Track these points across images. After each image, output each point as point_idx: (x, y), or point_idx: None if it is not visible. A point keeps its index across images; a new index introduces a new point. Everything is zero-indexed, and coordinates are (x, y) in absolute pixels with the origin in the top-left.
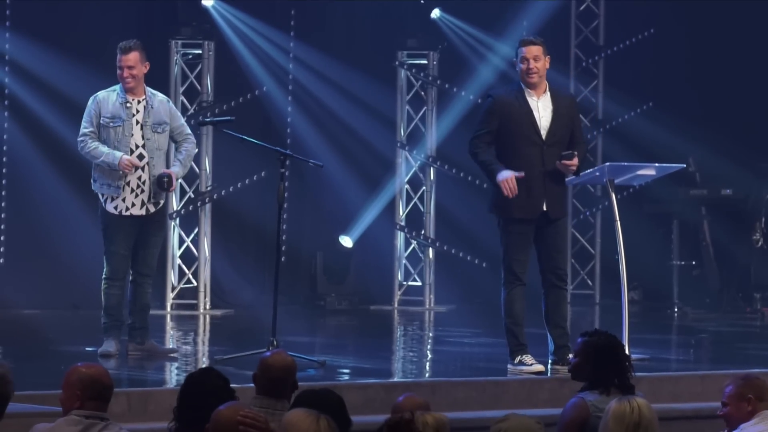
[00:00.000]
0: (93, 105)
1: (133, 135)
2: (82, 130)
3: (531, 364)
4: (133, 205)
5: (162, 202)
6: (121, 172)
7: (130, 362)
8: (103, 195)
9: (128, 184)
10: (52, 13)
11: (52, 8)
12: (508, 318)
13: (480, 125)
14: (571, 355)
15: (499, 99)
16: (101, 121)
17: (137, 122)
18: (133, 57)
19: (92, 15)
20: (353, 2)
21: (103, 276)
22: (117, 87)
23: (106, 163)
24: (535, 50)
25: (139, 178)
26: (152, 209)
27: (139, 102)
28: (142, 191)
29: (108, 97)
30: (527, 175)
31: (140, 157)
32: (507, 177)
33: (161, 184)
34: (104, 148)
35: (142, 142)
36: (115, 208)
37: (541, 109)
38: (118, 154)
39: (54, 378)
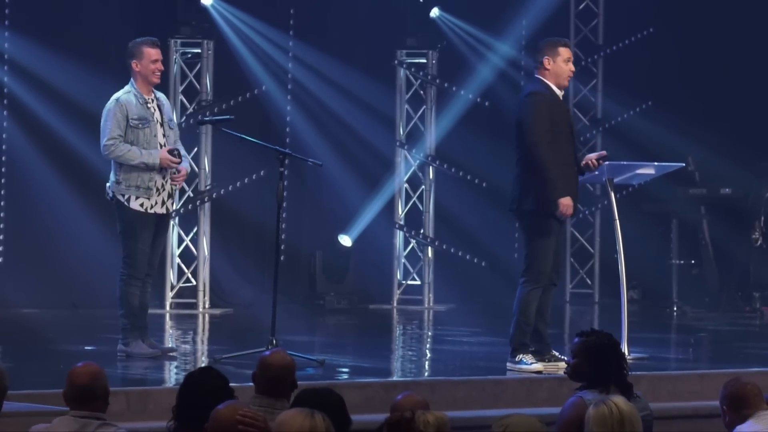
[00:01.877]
0: (117, 108)
1: (156, 134)
2: (110, 134)
3: (531, 363)
4: (156, 203)
5: (174, 202)
6: (150, 174)
7: (128, 362)
8: (124, 195)
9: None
10: (50, 11)
11: (50, 7)
12: (521, 315)
13: (540, 124)
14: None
15: (546, 98)
16: (130, 123)
17: (157, 121)
18: (160, 53)
19: (91, 14)
20: (353, 1)
21: (126, 275)
22: (130, 88)
23: (145, 163)
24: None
25: (158, 181)
26: (170, 208)
27: (152, 101)
28: (164, 189)
29: (129, 99)
30: (568, 175)
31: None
32: (569, 205)
33: (171, 154)
34: (138, 150)
35: (163, 141)
36: (141, 205)
37: (566, 107)
38: (155, 152)
39: (53, 377)
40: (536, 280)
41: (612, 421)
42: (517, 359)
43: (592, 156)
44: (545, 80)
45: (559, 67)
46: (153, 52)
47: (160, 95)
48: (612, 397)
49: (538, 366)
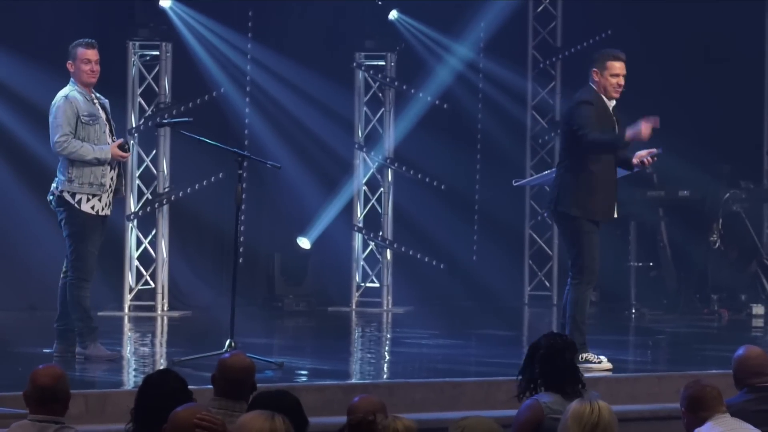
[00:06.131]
0: (66, 105)
1: (105, 131)
2: (61, 131)
3: (600, 362)
4: (106, 205)
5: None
6: (103, 170)
7: (87, 364)
8: (76, 195)
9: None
10: (6, 12)
11: (6, 8)
12: (580, 315)
13: (588, 127)
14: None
15: (595, 106)
16: (82, 120)
17: (102, 118)
18: (96, 53)
19: (48, 15)
20: (311, 3)
21: (77, 278)
22: (74, 86)
23: (98, 158)
24: (624, 68)
25: (111, 177)
26: (111, 210)
27: (95, 99)
28: (111, 190)
29: (76, 96)
30: (608, 181)
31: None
32: (639, 127)
33: (122, 147)
34: (90, 145)
35: (110, 139)
36: (92, 208)
37: (614, 117)
38: (106, 147)
39: (10, 380)
40: (585, 279)
41: (588, 421)
42: (582, 359)
43: (643, 153)
44: (595, 89)
45: (606, 80)
46: (83, 52)
47: (100, 95)
48: (599, 400)
49: (607, 364)
